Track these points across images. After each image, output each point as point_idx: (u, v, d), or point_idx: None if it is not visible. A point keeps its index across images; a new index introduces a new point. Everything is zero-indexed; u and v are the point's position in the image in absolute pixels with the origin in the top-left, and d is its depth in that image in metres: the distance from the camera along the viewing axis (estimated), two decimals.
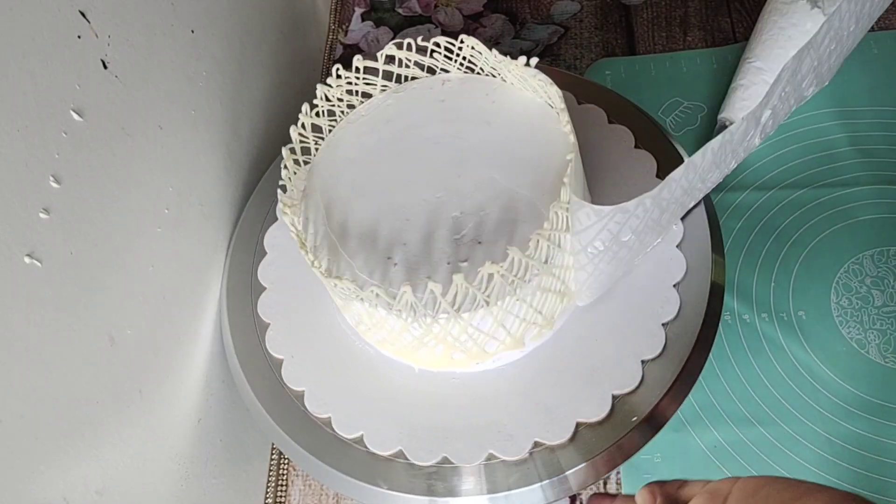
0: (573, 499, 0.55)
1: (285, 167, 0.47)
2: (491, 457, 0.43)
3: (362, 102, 0.51)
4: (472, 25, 0.80)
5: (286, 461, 0.59)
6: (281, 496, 0.58)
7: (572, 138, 0.42)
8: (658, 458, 0.54)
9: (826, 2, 0.64)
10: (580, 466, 0.42)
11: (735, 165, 0.48)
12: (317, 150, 0.50)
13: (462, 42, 0.48)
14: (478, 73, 0.50)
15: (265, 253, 0.52)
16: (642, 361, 0.44)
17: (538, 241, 0.39)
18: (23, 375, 0.32)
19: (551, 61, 0.75)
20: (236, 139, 0.55)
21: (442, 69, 0.50)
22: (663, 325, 0.45)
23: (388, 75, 0.51)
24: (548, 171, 0.44)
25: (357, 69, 0.49)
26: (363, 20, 0.82)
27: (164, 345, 0.44)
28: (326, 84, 0.49)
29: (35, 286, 0.33)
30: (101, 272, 0.38)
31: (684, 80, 0.71)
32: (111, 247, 0.39)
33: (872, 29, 0.72)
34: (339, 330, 0.49)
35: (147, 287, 0.42)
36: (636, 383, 0.43)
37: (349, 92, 0.51)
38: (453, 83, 0.50)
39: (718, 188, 0.64)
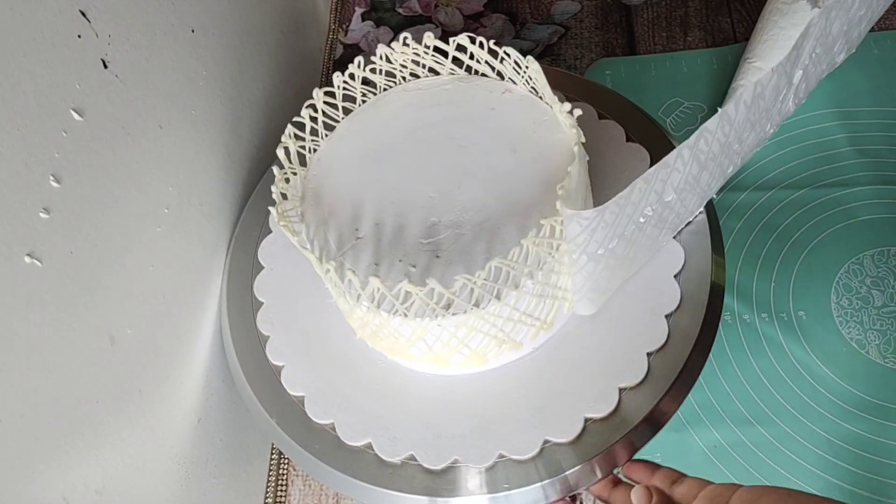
0: (573, 499, 0.55)
1: (310, 106, 0.48)
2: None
3: (427, 76, 0.52)
4: (472, 25, 0.80)
5: (286, 461, 0.59)
6: (281, 496, 0.58)
7: (561, 192, 0.41)
8: (658, 458, 0.54)
9: (827, 1, 0.64)
10: (580, 466, 0.42)
11: (772, 132, 0.47)
12: (364, 101, 0.52)
13: (528, 66, 0.46)
14: (539, 97, 0.49)
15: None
16: (585, 419, 0.43)
17: (471, 288, 0.39)
18: (23, 375, 0.32)
19: (552, 61, 0.75)
20: (236, 139, 0.55)
21: (510, 79, 0.50)
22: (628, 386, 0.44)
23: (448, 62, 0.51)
24: (539, 218, 0.42)
25: (426, 46, 0.49)
26: (363, 20, 0.82)
27: (164, 344, 0.44)
28: (389, 47, 0.50)
29: (35, 286, 0.33)
30: (101, 272, 0.38)
31: (684, 80, 0.71)
32: (111, 246, 0.39)
33: (872, 29, 0.72)
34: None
35: (147, 287, 0.42)
36: (576, 434, 0.42)
37: (415, 62, 0.51)
38: (513, 97, 0.49)
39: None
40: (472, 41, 0.48)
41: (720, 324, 0.46)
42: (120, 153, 0.39)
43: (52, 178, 0.34)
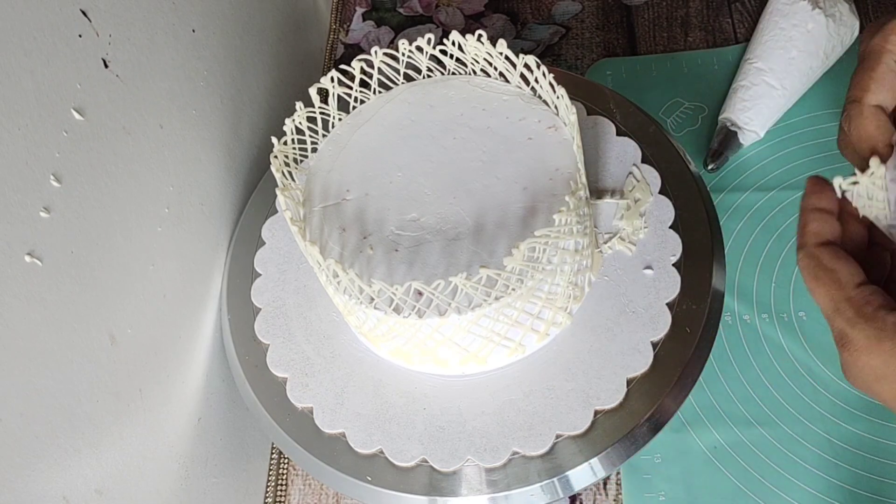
0: (573, 499, 0.55)
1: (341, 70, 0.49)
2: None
3: (488, 74, 0.51)
4: (473, 25, 0.80)
5: (286, 460, 0.59)
6: (281, 495, 0.58)
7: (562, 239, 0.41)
8: (658, 459, 0.54)
9: (827, 3, 0.64)
10: (580, 466, 0.42)
11: None
12: (429, 75, 0.52)
13: (571, 117, 0.45)
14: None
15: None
16: (557, 435, 0.42)
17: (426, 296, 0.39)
18: (23, 374, 0.32)
19: (552, 61, 0.75)
20: (237, 138, 0.55)
21: (561, 115, 0.47)
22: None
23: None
24: (502, 261, 0.41)
25: (499, 51, 0.48)
26: (364, 20, 0.82)
27: (164, 344, 0.44)
28: (464, 37, 0.49)
29: (35, 285, 0.33)
30: (101, 271, 0.38)
31: (685, 80, 0.71)
32: (112, 246, 0.39)
33: None
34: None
35: (148, 286, 0.42)
36: (547, 447, 0.42)
37: (488, 62, 0.50)
38: (555, 136, 0.47)
39: (719, 188, 0.64)
40: (538, 66, 0.46)
41: (720, 324, 0.46)
42: (120, 153, 0.39)
43: (52, 177, 0.34)
